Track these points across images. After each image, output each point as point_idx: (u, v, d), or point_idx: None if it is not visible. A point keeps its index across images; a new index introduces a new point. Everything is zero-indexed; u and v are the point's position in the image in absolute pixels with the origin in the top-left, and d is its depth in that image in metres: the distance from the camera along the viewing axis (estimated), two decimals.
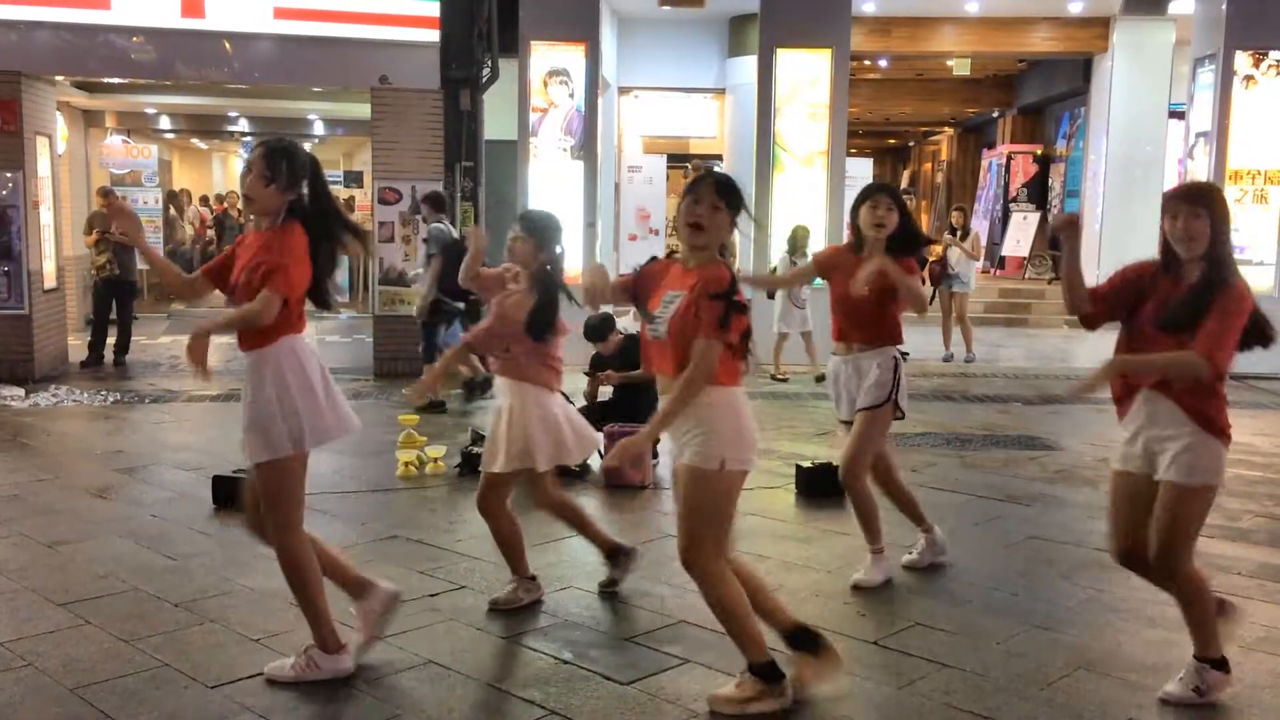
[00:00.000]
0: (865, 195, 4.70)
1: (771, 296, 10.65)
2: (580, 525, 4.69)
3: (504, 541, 4.53)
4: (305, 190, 3.72)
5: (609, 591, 4.66)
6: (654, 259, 3.86)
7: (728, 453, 3.44)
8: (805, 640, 3.64)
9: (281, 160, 3.64)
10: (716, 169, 18.40)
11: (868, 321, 4.69)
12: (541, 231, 4.45)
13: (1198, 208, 3.42)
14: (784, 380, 10.69)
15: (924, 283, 15.29)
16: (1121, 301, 3.61)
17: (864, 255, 4.64)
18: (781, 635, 3.66)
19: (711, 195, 3.46)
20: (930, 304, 12.63)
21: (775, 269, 10.69)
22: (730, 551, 3.63)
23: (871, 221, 4.61)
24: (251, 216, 3.86)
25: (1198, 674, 3.66)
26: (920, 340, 12.83)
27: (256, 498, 3.76)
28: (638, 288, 3.68)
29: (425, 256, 9.52)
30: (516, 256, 4.43)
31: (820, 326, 10.46)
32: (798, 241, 10.68)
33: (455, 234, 9.36)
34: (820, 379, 10.48)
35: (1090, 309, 3.66)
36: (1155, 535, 3.56)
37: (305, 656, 3.77)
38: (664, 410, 3.47)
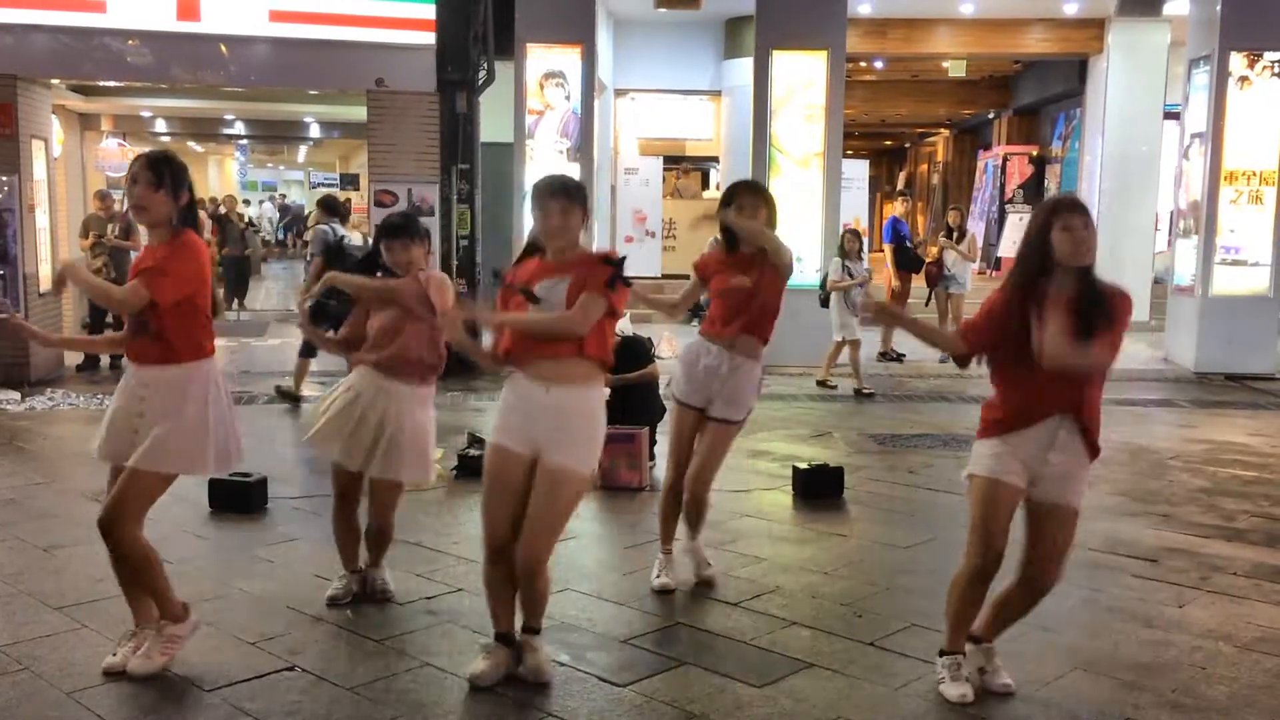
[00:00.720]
0: (729, 196, 4.65)
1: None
2: (347, 542, 4.66)
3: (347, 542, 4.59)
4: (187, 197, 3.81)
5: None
6: (497, 273, 4.00)
7: (595, 461, 3.77)
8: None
9: (164, 167, 3.77)
10: (712, 171, 18.49)
11: (749, 321, 4.57)
12: (426, 231, 4.58)
13: (1088, 219, 3.52)
14: (832, 388, 10.13)
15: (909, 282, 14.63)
16: (994, 337, 3.65)
17: (737, 253, 4.61)
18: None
19: (561, 199, 3.68)
20: (926, 305, 12.65)
21: (827, 274, 10.32)
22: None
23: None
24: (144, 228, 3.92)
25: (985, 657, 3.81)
26: (917, 341, 12.84)
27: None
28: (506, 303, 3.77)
29: (309, 258, 9.59)
30: (420, 263, 4.43)
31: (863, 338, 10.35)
32: (846, 247, 10.29)
33: (353, 239, 9.48)
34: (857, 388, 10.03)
35: (964, 347, 3.75)
36: (1052, 554, 3.60)
37: (163, 637, 3.82)
38: (529, 320, 3.62)
